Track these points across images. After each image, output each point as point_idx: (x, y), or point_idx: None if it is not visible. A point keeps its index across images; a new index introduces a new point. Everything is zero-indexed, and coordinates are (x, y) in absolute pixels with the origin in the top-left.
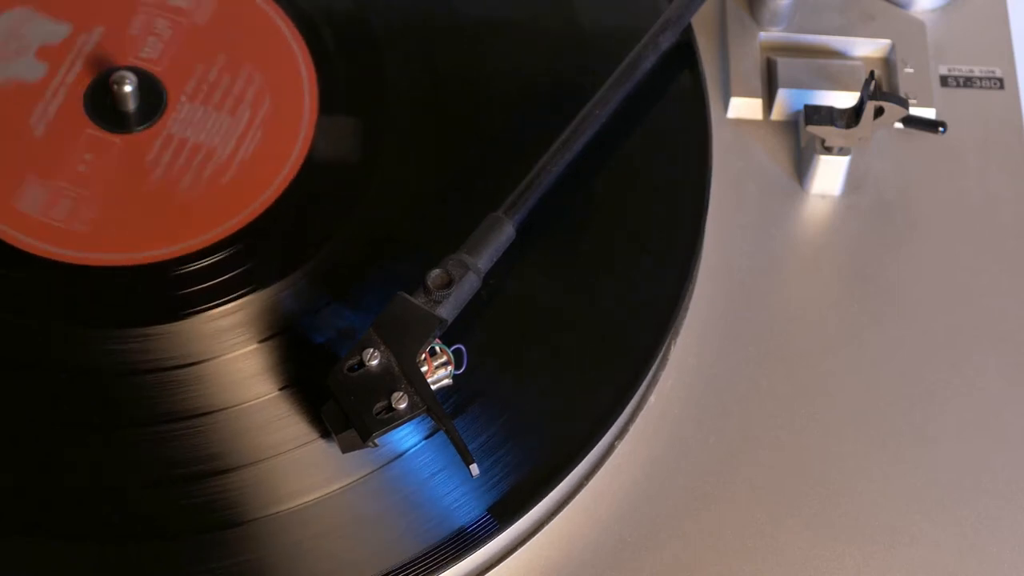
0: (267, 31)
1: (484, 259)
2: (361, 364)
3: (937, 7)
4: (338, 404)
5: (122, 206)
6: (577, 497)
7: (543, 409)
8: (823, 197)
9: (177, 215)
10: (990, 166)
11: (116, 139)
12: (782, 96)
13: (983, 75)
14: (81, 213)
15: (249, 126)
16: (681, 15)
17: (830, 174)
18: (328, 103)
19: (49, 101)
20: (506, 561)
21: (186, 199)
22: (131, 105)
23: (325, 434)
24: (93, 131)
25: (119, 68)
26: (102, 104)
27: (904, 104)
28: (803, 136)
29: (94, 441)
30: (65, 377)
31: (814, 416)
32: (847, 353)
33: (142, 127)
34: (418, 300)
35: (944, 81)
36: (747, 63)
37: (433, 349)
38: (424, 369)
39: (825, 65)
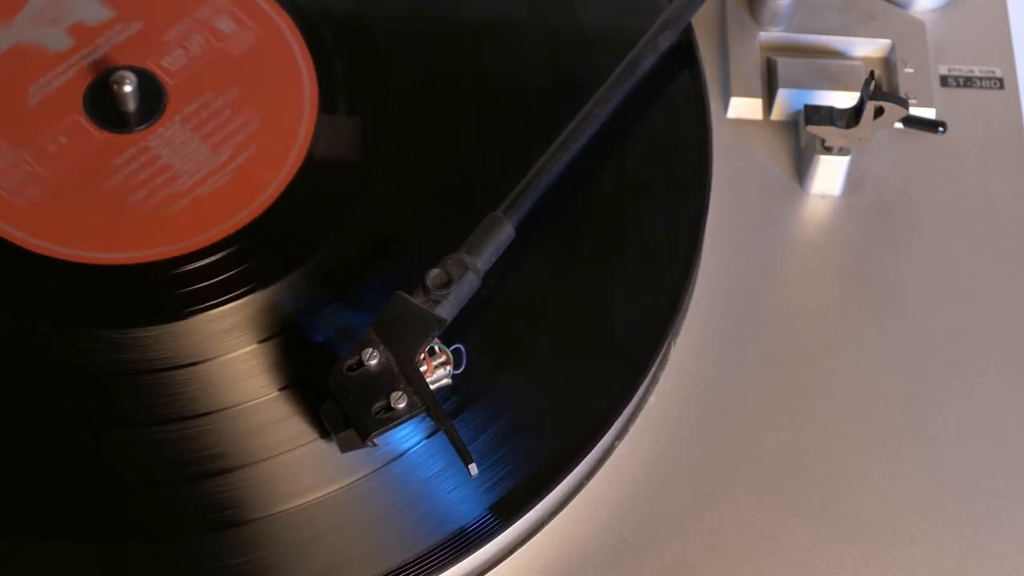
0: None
1: (484, 259)
2: (360, 364)
3: (937, 7)
4: (337, 404)
5: (66, 197)
6: (577, 497)
7: (543, 409)
8: (823, 197)
9: (115, 223)
10: (990, 166)
11: (97, 134)
12: (782, 96)
13: (983, 75)
14: (28, 190)
15: (222, 167)
16: (681, 15)
17: (830, 174)
18: (328, 103)
19: (56, 76)
20: (506, 561)
21: (132, 212)
22: (129, 106)
23: (325, 434)
24: (80, 119)
25: (123, 68)
26: (101, 98)
27: (904, 104)
28: (803, 136)
29: (94, 441)
30: (65, 377)
31: (814, 416)
32: (847, 353)
33: (129, 130)
34: (417, 300)
35: (944, 81)
36: (747, 63)
37: (432, 349)
38: (423, 369)
39: (825, 65)
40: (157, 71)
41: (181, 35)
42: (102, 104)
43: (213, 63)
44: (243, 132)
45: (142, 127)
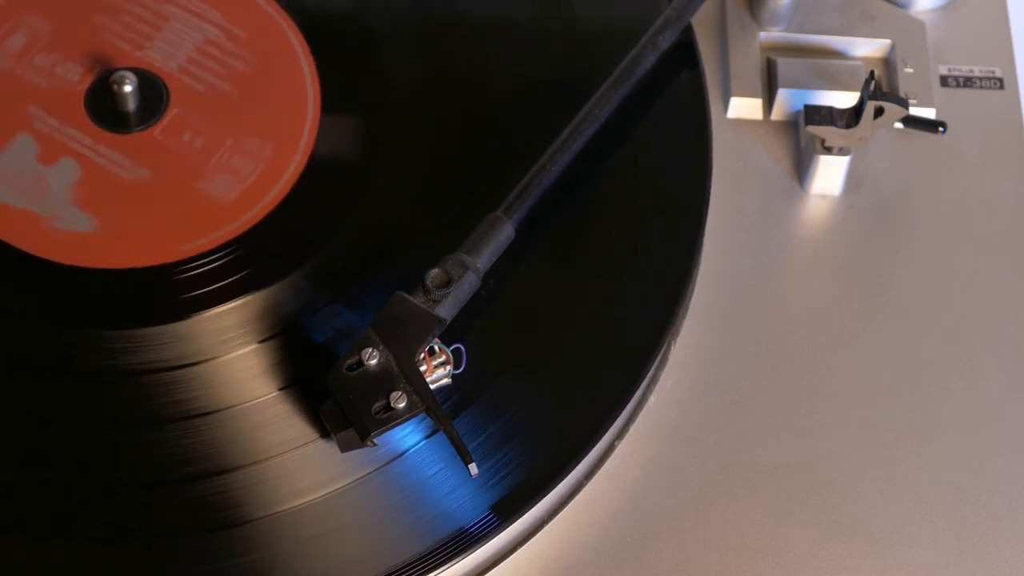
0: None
1: (483, 259)
2: (360, 363)
3: (937, 7)
4: (337, 403)
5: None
6: (577, 497)
7: (543, 409)
8: (823, 197)
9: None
10: (990, 166)
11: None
12: (782, 96)
13: (983, 75)
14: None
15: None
16: (681, 15)
17: (830, 174)
18: (329, 104)
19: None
20: (506, 561)
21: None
22: (129, 106)
23: (325, 434)
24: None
25: (121, 68)
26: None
27: (904, 104)
28: (803, 136)
29: (94, 441)
30: (65, 377)
31: (814, 416)
32: (847, 353)
33: (129, 131)
34: (417, 300)
35: (944, 81)
36: (747, 63)
37: (432, 348)
38: (423, 368)
39: (825, 65)
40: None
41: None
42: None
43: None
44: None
45: (143, 126)
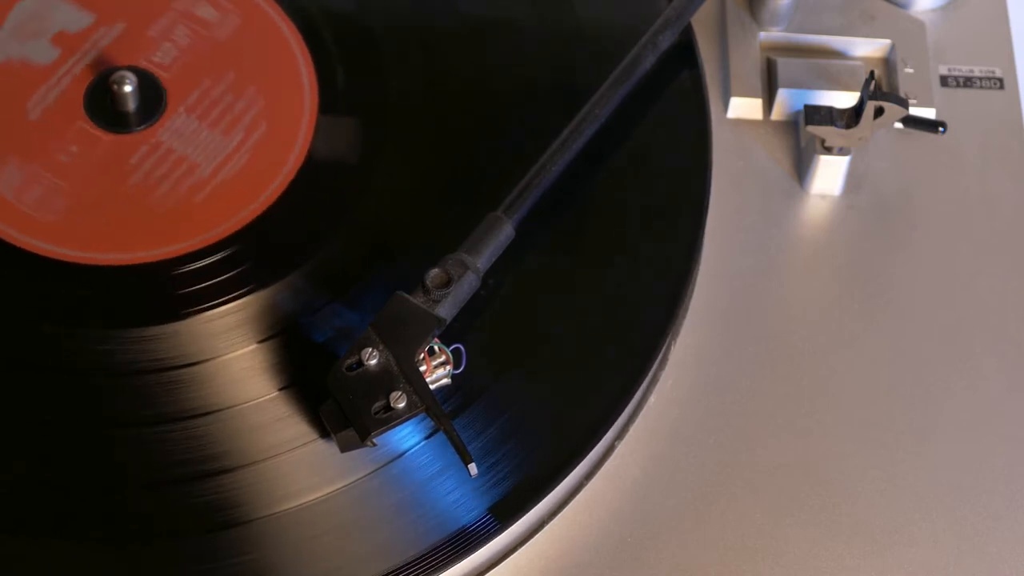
0: (276, 43)
1: (483, 259)
2: (360, 363)
3: (937, 7)
4: (337, 403)
5: (93, 203)
6: (577, 497)
7: (543, 409)
8: (823, 197)
9: (146, 221)
10: (990, 166)
11: (105, 137)
12: (782, 96)
13: (983, 75)
14: (52, 202)
15: (237, 149)
16: (681, 15)
17: (830, 174)
18: (328, 103)
19: (52, 87)
20: (506, 561)
21: (158, 208)
22: (130, 106)
23: (325, 434)
24: (85, 125)
25: (121, 68)
26: (101, 101)
27: (904, 104)
28: (803, 136)
29: (94, 441)
30: (66, 377)
31: (814, 416)
32: (847, 353)
33: (135, 129)
34: (417, 299)
35: (944, 81)
36: (747, 63)
37: (432, 348)
38: (423, 368)
39: (825, 65)
40: (151, 67)
41: (165, 29)
42: (104, 108)
43: (204, 51)
44: (250, 112)
45: (148, 124)
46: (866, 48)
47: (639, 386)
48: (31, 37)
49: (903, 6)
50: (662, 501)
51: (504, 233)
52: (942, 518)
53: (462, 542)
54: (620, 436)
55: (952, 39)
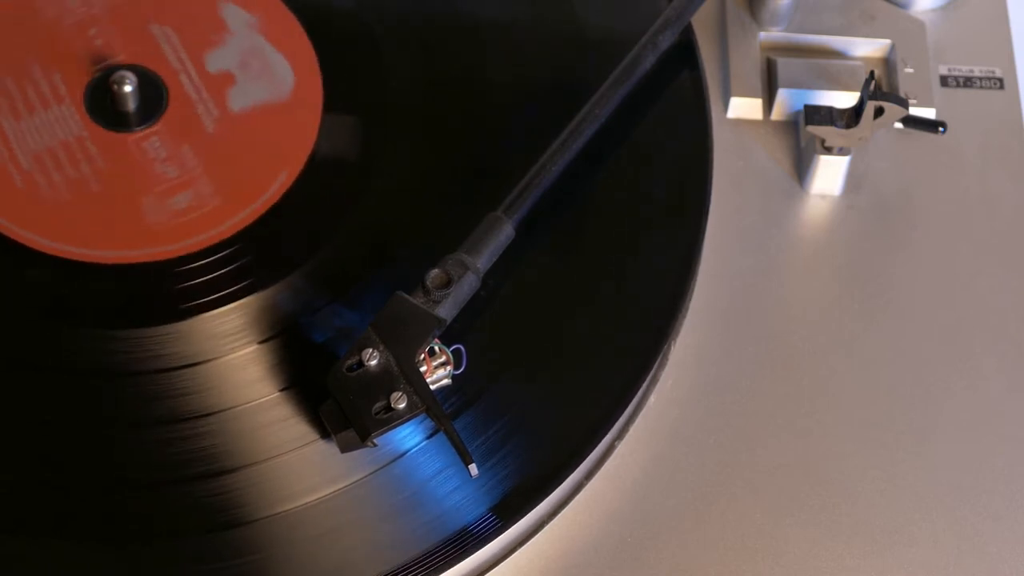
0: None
1: (483, 259)
2: (360, 364)
3: (937, 7)
4: (337, 404)
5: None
6: (577, 497)
7: (543, 409)
8: (823, 197)
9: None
10: (990, 166)
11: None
12: (782, 96)
13: (983, 75)
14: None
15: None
16: (681, 15)
17: (830, 174)
18: (329, 103)
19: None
20: (506, 561)
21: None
22: (130, 106)
23: (325, 434)
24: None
25: (122, 67)
26: (101, 101)
27: (904, 104)
28: (803, 136)
29: (94, 441)
30: (66, 377)
31: (814, 416)
32: (847, 353)
33: (136, 129)
34: (417, 300)
35: (944, 81)
36: (747, 63)
37: (432, 349)
38: (423, 369)
39: (825, 65)
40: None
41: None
42: (103, 106)
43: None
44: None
45: (146, 125)
46: (866, 48)
47: (639, 386)
48: None
49: (903, 6)
50: (662, 501)
51: (504, 233)
52: (942, 518)
53: (463, 542)
54: (620, 436)
55: (952, 39)
